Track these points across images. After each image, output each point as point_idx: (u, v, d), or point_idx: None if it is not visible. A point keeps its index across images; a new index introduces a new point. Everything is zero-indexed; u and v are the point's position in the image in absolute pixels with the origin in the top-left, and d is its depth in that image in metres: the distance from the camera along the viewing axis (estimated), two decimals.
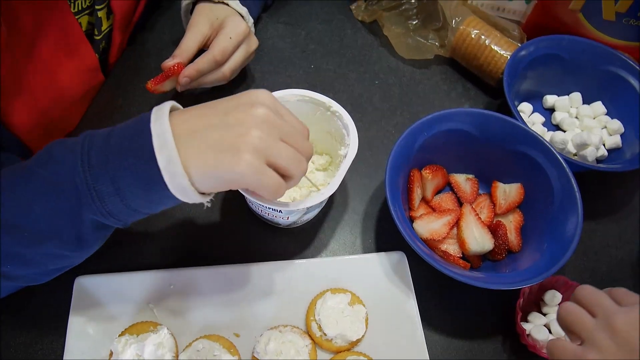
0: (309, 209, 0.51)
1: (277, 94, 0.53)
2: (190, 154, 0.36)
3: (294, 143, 0.39)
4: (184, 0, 0.65)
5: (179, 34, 0.72)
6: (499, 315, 0.54)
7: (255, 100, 0.38)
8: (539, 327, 0.52)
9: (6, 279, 0.43)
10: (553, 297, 0.53)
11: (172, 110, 0.39)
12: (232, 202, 0.59)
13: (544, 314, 0.54)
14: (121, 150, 0.36)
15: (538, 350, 0.50)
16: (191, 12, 0.66)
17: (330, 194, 0.48)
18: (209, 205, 0.40)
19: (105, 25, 0.64)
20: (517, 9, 0.78)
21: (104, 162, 0.36)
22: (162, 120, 0.36)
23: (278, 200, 0.47)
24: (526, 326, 0.52)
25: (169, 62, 0.59)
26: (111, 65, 0.70)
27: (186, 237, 0.57)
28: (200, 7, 0.64)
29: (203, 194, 0.38)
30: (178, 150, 0.35)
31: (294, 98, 0.54)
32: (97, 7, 0.61)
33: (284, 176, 0.39)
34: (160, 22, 0.76)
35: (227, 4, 0.63)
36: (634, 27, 0.65)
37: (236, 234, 0.57)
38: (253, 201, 0.52)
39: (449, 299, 0.55)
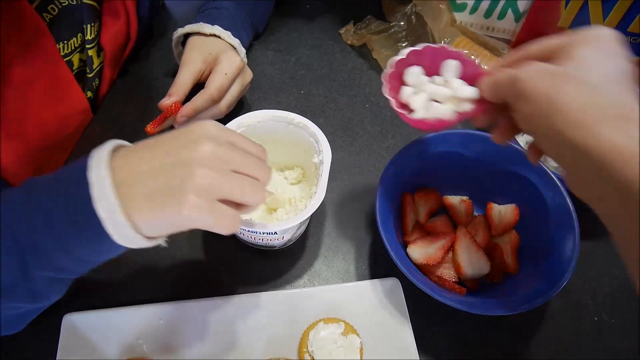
0: (301, 223, 0.50)
1: (236, 121, 0.53)
2: (133, 201, 0.34)
3: (248, 171, 0.37)
4: (175, 32, 0.65)
5: (169, 64, 0.73)
6: (499, 342, 0.53)
7: (200, 135, 0.36)
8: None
9: None
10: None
11: (119, 148, 0.37)
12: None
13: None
14: (60, 205, 0.34)
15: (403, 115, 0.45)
16: (182, 44, 0.66)
17: (321, 201, 0.48)
18: (166, 245, 0.38)
19: (96, 63, 0.65)
20: (507, 27, 0.78)
21: (43, 218, 0.34)
22: (99, 167, 0.34)
23: (269, 223, 0.48)
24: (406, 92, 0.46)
25: (166, 102, 0.58)
26: (101, 97, 0.70)
27: (175, 270, 0.56)
28: (193, 41, 0.64)
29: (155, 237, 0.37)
30: (120, 198, 0.33)
31: (254, 120, 0.55)
32: (87, 45, 0.61)
33: (242, 205, 0.38)
34: (151, 52, 0.76)
35: (219, 37, 0.64)
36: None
37: (226, 264, 0.56)
38: (244, 231, 0.51)
39: (446, 326, 0.53)
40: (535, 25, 0.69)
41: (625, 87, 0.33)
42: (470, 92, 0.44)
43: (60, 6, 0.57)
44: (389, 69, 0.46)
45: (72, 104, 0.63)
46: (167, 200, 0.33)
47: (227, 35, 0.64)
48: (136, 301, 0.52)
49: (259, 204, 0.38)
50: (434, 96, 0.46)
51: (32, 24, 0.53)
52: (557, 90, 0.33)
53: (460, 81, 0.45)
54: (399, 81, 0.47)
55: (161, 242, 0.37)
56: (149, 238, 0.35)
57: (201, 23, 0.64)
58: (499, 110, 0.42)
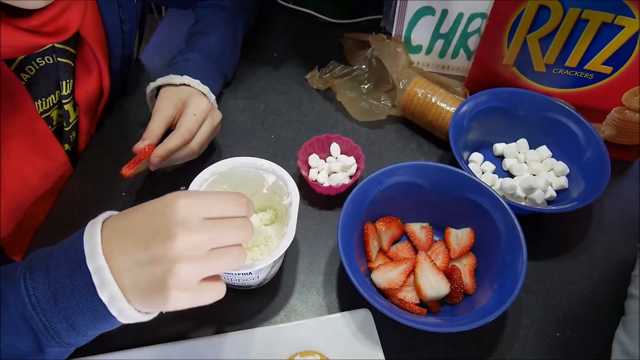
0: (275, 261, 0.53)
1: (209, 169, 0.57)
2: (128, 289, 0.37)
3: (226, 243, 0.39)
4: (147, 87, 0.69)
5: (145, 116, 0.77)
6: None
7: (171, 224, 0.37)
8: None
9: None
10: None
11: (105, 222, 0.40)
12: None
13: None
14: (65, 289, 0.37)
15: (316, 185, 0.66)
16: (156, 96, 0.70)
17: (291, 241, 0.52)
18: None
19: (72, 117, 0.68)
20: (461, 65, 0.84)
21: (52, 303, 0.38)
22: (95, 255, 0.37)
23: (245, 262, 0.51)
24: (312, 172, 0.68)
25: (140, 145, 0.62)
26: (80, 150, 0.73)
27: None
28: (164, 92, 0.68)
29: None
30: (117, 283, 0.37)
31: (226, 168, 0.58)
32: (63, 101, 0.65)
33: None
34: (126, 106, 0.80)
35: (189, 85, 0.68)
36: (563, 75, 0.71)
37: (204, 306, 0.58)
38: (220, 273, 0.54)
39: (419, 352, 0.56)
40: (484, 64, 0.75)
41: None
42: (351, 160, 0.69)
43: (37, 66, 0.60)
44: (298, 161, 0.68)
45: (52, 159, 0.65)
46: (153, 296, 0.37)
47: (196, 83, 0.68)
48: (115, 348, 0.54)
49: (242, 265, 0.41)
50: (331, 170, 0.69)
51: (10, 84, 0.55)
52: None
53: (344, 156, 0.70)
54: (307, 164, 0.70)
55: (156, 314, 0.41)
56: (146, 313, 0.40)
57: (171, 75, 0.68)
58: None
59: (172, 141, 0.63)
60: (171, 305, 0.37)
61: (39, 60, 0.60)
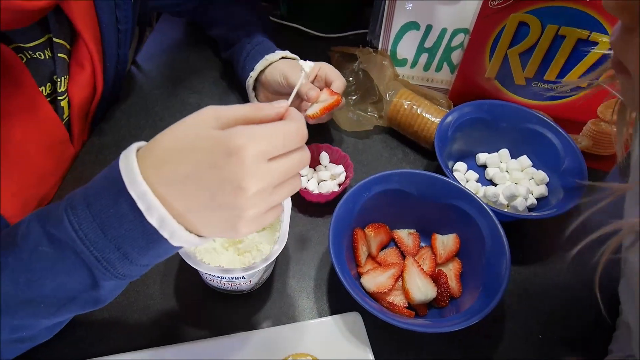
0: (267, 266, 0.55)
1: None
2: (190, 224, 0.38)
3: (290, 175, 0.40)
4: (249, 79, 0.76)
5: (138, 125, 0.78)
6: None
7: (241, 175, 0.36)
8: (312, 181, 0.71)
9: (20, 342, 0.44)
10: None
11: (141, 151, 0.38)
12: (188, 280, 0.61)
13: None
14: (111, 219, 0.37)
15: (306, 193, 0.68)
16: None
17: (283, 246, 0.54)
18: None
19: (66, 114, 0.68)
20: (444, 78, 0.87)
21: (101, 234, 0.37)
22: (136, 181, 0.36)
23: (237, 267, 0.52)
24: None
25: (314, 93, 0.67)
26: (75, 154, 0.74)
27: (148, 320, 0.59)
28: (275, 66, 0.75)
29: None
30: (178, 221, 0.37)
31: None
32: (59, 97, 0.65)
33: None
34: (118, 114, 0.81)
35: (286, 57, 0.76)
36: (542, 88, 0.74)
37: (198, 311, 0.60)
38: (214, 277, 0.55)
39: (407, 354, 0.58)
40: (467, 77, 0.78)
41: None
42: (340, 169, 0.71)
43: (29, 56, 0.60)
44: None
45: (54, 135, 0.66)
46: (223, 233, 0.39)
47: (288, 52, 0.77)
48: (107, 351, 0.55)
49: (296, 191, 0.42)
50: (321, 178, 0.71)
51: (9, 60, 0.55)
52: None
53: (333, 164, 0.73)
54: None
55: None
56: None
57: (265, 57, 0.75)
58: None
59: (338, 76, 0.71)
60: (241, 235, 0.39)
61: (31, 53, 0.60)
